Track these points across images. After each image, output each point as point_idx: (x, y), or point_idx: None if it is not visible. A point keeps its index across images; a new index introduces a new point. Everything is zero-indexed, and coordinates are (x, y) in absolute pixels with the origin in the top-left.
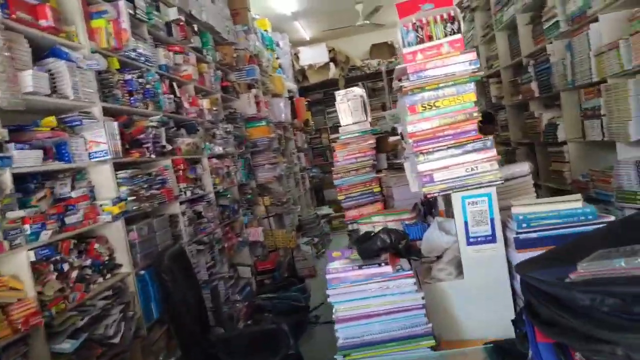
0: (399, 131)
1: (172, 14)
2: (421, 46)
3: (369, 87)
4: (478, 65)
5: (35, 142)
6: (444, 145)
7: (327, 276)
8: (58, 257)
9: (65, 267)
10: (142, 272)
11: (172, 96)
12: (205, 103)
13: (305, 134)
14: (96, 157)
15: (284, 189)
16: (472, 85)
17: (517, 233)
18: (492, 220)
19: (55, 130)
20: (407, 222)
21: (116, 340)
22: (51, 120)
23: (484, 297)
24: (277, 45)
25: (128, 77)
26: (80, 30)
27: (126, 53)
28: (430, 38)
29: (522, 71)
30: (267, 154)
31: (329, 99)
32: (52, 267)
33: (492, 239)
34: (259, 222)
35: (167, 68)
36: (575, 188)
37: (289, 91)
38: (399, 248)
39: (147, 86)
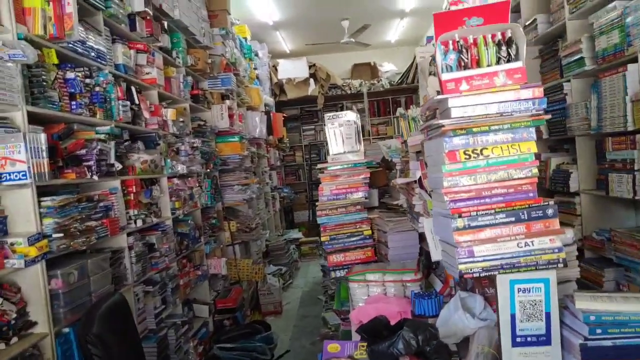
0: (397, 167)
1: (138, 4)
2: (468, 73)
3: (348, 107)
4: (544, 106)
5: None
6: (491, 209)
7: None
8: None
9: None
10: (66, 329)
11: (128, 103)
12: (169, 113)
13: (279, 151)
14: (10, 180)
15: (253, 213)
16: (533, 132)
17: (587, 339)
18: (547, 315)
19: None
20: (409, 284)
21: None
22: None
23: None
24: (256, 55)
25: (70, 75)
26: (4, 8)
27: (70, 45)
28: (477, 63)
29: None
30: (238, 174)
31: (306, 115)
32: None
33: (546, 340)
34: (222, 250)
35: (126, 69)
36: (587, 246)
37: (266, 105)
38: (427, 353)
39: (97, 89)
